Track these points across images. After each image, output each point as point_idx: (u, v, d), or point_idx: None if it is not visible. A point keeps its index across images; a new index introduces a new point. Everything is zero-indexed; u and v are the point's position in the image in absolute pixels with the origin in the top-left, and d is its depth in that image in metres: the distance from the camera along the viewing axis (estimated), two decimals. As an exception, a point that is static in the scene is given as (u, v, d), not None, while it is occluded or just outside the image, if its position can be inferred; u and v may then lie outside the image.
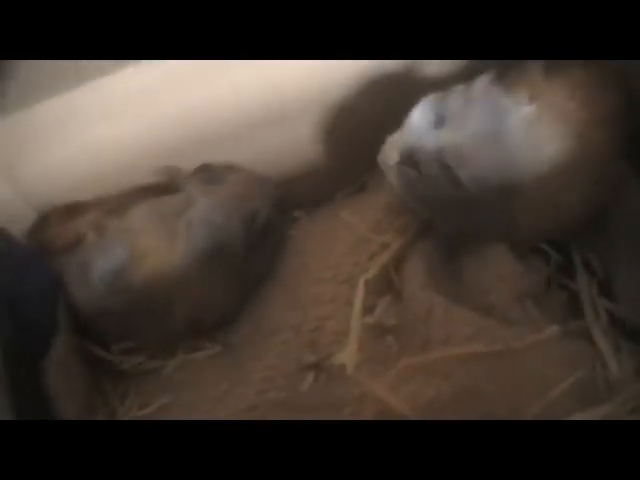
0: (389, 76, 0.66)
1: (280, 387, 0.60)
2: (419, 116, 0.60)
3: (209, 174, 0.65)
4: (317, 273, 0.64)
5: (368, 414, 0.55)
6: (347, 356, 0.58)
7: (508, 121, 0.59)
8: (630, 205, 0.66)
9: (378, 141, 0.62)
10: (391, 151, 0.60)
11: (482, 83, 0.60)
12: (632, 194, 0.66)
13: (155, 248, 0.60)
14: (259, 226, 0.63)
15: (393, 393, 0.55)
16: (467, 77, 0.62)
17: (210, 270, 0.61)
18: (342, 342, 0.59)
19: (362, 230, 0.64)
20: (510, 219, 0.61)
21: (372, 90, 0.67)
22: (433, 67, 0.67)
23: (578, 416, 0.52)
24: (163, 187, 0.64)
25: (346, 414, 0.56)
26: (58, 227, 0.63)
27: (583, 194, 0.61)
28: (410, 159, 0.59)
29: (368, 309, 0.62)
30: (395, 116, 0.61)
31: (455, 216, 0.61)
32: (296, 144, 0.69)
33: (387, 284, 0.63)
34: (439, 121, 0.59)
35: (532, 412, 0.53)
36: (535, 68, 0.62)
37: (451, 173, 0.58)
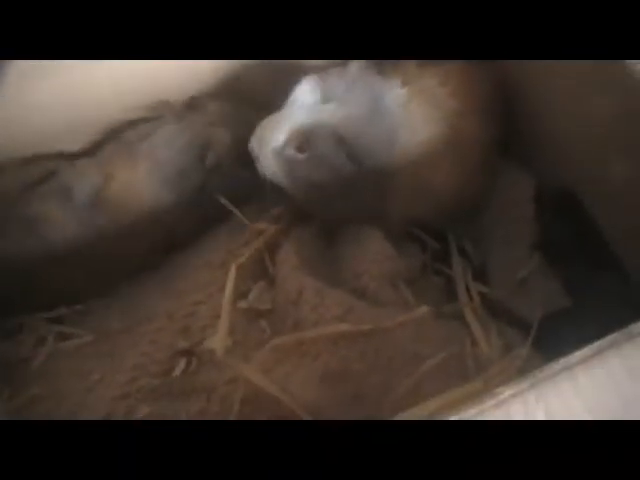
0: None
1: (153, 374, 0.58)
2: (305, 95, 0.60)
3: (192, 103, 0.67)
4: (191, 259, 0.63)
5: (238, 397, 0.54)
6: (217, 341, 0.57)
7: (384, 103, 0.60)
8: (503, 194, 0.68)
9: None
10: (270, 134, 0.60)
11: (356, 66, 0.61)
12: (505, 183, 0.68)
13: (122, 170, 0.63)
14: (212, 161, 0.64)
15: (263, 375, 0.55)
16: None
17: (169, 192, 0.64)
18: (214, 327, 0.59)
19: (237, 216, 0.64)
20: (384, 203, 0.61)
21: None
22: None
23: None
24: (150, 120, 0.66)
25: (216, 397, 0.55)
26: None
27: (452, 180, 0.62)
28: (298, 138, 0.59)
29: (242, 294, 0.61)
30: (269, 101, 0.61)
31: (332, 200, 0.61)
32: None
33: (262, 270, 0.63)
34: (325, 100, 0.59)
35: (402, 389, 0.54)
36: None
37: (347, 147, 0.58)
